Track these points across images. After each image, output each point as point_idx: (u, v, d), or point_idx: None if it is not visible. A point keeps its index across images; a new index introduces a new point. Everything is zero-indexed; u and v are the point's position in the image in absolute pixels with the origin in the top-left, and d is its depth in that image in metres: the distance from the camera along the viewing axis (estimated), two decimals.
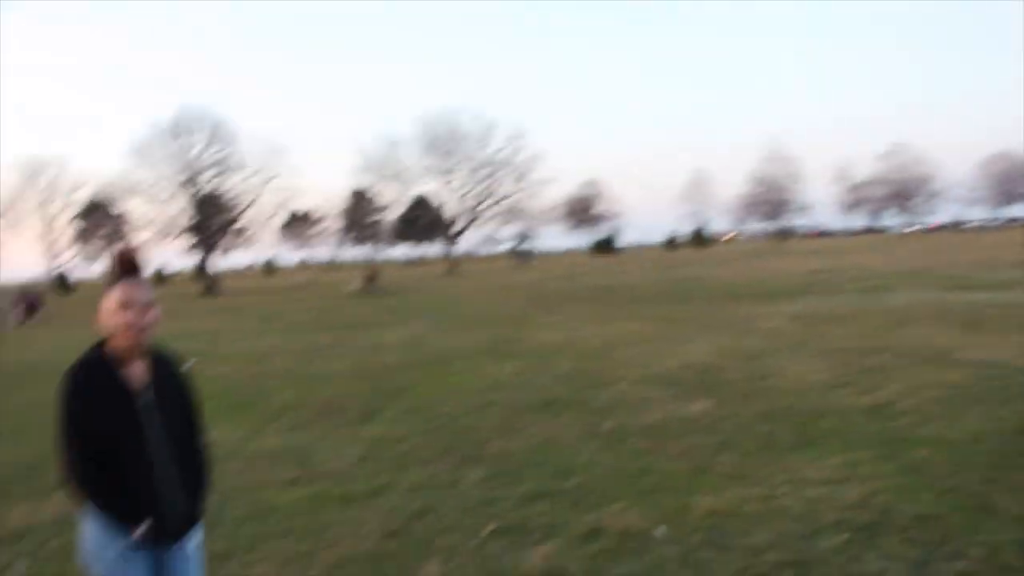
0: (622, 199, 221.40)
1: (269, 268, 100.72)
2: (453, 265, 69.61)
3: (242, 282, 75.79)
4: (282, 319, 25.52)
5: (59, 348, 20.73)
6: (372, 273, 42.70)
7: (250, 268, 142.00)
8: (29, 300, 33.91)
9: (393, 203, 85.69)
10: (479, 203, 71.69)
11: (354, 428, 8.82)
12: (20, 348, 21.71)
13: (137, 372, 2.93)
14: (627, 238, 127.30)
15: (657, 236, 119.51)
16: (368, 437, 8.34)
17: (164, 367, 3.04)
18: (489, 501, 5.93)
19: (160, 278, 78.20)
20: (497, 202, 71.75)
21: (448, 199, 77.95)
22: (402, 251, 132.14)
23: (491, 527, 5.35)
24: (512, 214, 72.76)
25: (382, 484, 6.57)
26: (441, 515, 5.69)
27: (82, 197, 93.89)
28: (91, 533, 2.91)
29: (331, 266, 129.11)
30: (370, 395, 10.72)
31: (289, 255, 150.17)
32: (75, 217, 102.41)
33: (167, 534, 2.94)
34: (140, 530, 2.87)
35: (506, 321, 19.99)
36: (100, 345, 2.93)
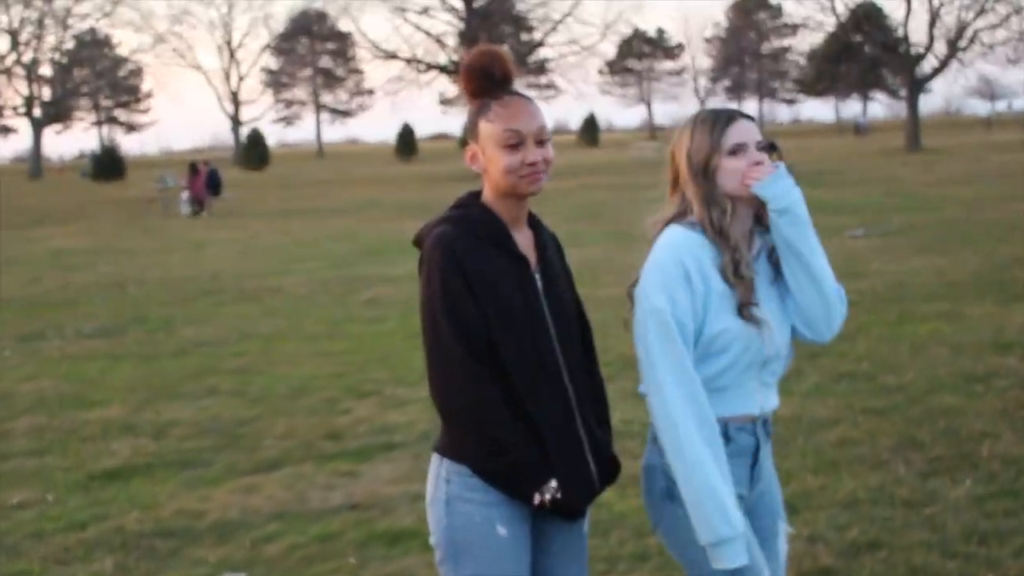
0: None
1: (589, 132, 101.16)
2: (914, 133, 67.56)
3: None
4: (610, 219, 26.28)
5: (253, 251, 22.91)
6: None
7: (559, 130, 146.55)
8: (205, 176, 36.61)
9: (810, 23, 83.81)
10: (967, 23, 68.53)
11: None
12: (195, 252, 24.15)
13: (524, 242, 3.13)
14: None
15: None
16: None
17: (548, 238, 3.25)
18: (987, 534, 6.00)
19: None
20: (1002, 21, 68.15)
21: (913, 17, 75.06)
22: (820, 108, 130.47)
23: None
24: None
25: (802, 491, 6.83)
26: (900, 549, 5.86)
27: (282, 13, 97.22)
28: (453, 496, 3.04)
29: None
30: None
31: (621, 111, 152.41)
32: (271, 44, 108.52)
33: (582, 497, 3.10)
34: (547, 493, 2.96)
35: (1013, 237, 19.41)
36: (475, 197, 3.16)
